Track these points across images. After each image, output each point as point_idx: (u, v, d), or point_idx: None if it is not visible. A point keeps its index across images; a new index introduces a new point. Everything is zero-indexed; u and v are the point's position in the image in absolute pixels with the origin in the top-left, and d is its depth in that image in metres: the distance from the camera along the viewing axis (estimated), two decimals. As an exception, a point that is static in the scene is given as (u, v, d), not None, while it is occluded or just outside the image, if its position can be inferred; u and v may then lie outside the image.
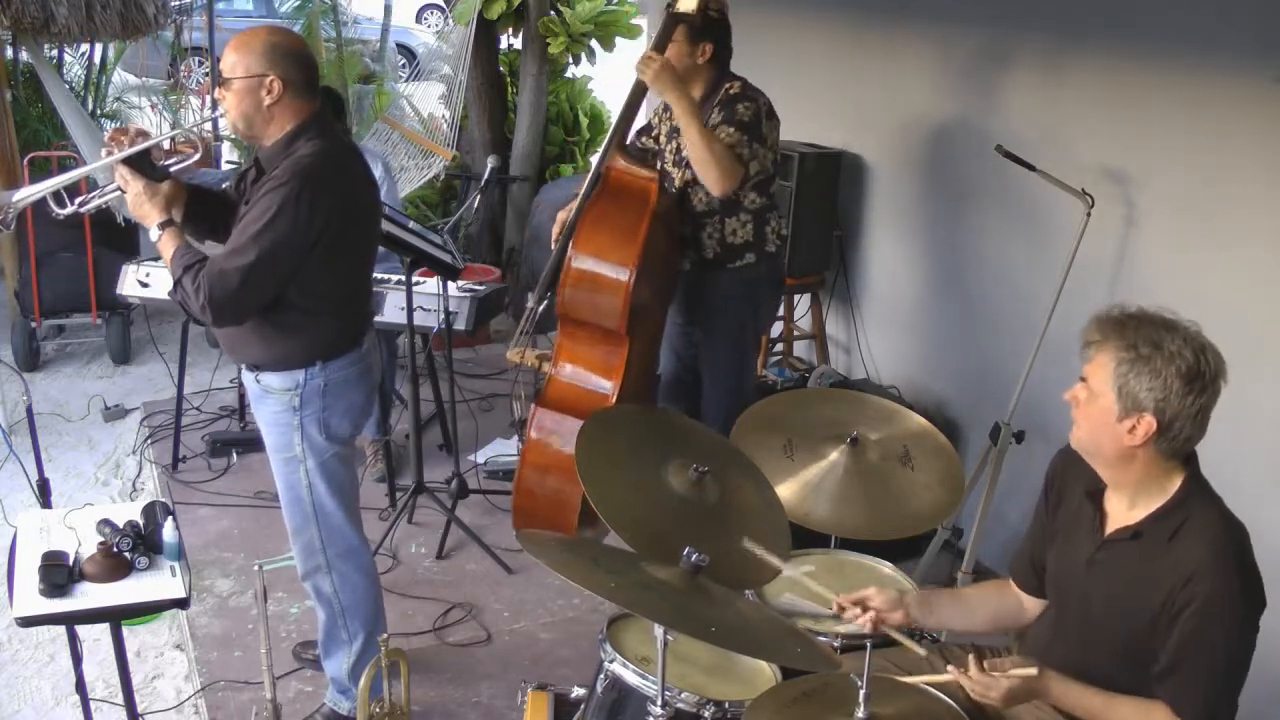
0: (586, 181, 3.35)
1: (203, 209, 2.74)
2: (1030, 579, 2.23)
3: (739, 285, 3.46)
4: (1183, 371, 1.82)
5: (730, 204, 3.38)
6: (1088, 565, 2.02)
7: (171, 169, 2.62)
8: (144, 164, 2.56)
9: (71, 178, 2.73)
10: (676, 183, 3.45)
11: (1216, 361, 1.85)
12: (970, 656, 1.96)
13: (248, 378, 2.76)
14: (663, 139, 3.57)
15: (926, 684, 2.00)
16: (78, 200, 2.65)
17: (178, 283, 2.53)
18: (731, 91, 3.34)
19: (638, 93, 3.34)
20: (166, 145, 2.67)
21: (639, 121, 3.56)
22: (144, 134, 2.59)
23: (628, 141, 3.45)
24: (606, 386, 3.24)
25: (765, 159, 3.35)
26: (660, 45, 3.28)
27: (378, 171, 4.46)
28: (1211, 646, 1.85)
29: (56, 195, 2.63)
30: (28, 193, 2.60)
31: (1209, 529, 1.87)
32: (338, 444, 2.76)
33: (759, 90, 3.37)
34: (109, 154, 2.55)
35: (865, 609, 2.17)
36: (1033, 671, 1.92)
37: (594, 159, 3.41)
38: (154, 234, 2.56)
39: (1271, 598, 1.89)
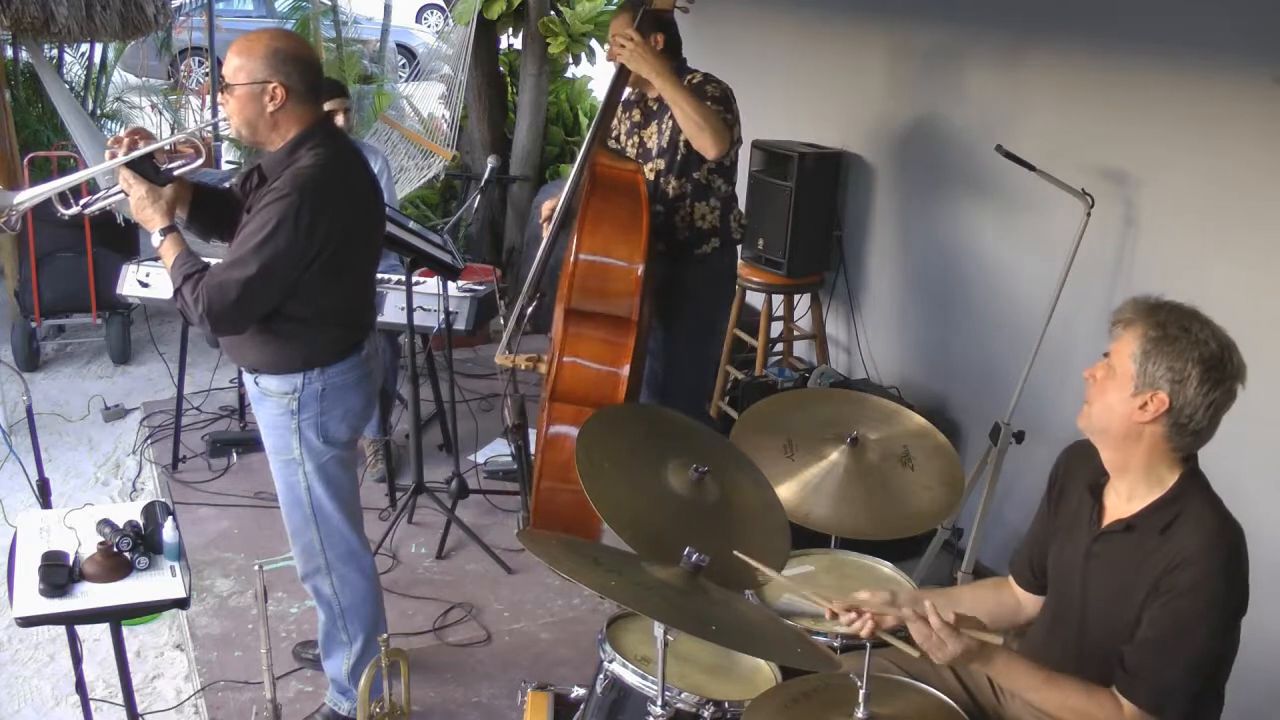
0: (571, 177, 3.38)
1: (209, 208, 2.74)
2: (1029, 577, 2.24)
3: (704, 276, 3.55)
4: (1204, 358, 1.83)
5: (701, 189, 3.46)
6: (1085, 559, 2.02)
7: (175, 172, 2.62)
8: (147, 167, 2.55)
9: (75, 180, 2.73)
10: (648, 175, 3.49)
11: (1239, 363, 1.86)
12: (933, 606, 1.93)
13: (247, 379, 2.76)
14: (623, 137, 3.64)
15: (886, 633, 1.98)
16: (82, 202, 2.65)
17: (178, 291, 2.53)
18: (695, 80, 3.41)
19: (618, 84, 3.41)
20: (168, 148, 2.66)
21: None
22: (147, 136, 2.59)
23: None
24: (620, 372, 3.23)
25: (738, 134, 3.44)
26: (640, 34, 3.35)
27: (376, 167, 4.46)
28: (1179, 636, 1.84)
29: (61, 196, 2.63)
30: (31, 194, 2.60)
31: (1203, 524, 1.87)
32: (336, 448, 2.75)
33: (720, 79, 3.45)
34: (112, 157, 2.55)
35: (860, 613, 2.14)
36: (996, 639, 1.91)
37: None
38: (155, 239, 2.55)
39: (1271, 598, 1.89)
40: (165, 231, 2.55)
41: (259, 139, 2.60)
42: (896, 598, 2.15)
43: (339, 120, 4.23)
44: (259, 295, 2.50)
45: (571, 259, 3.20)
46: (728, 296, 3.78)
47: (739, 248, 3.69)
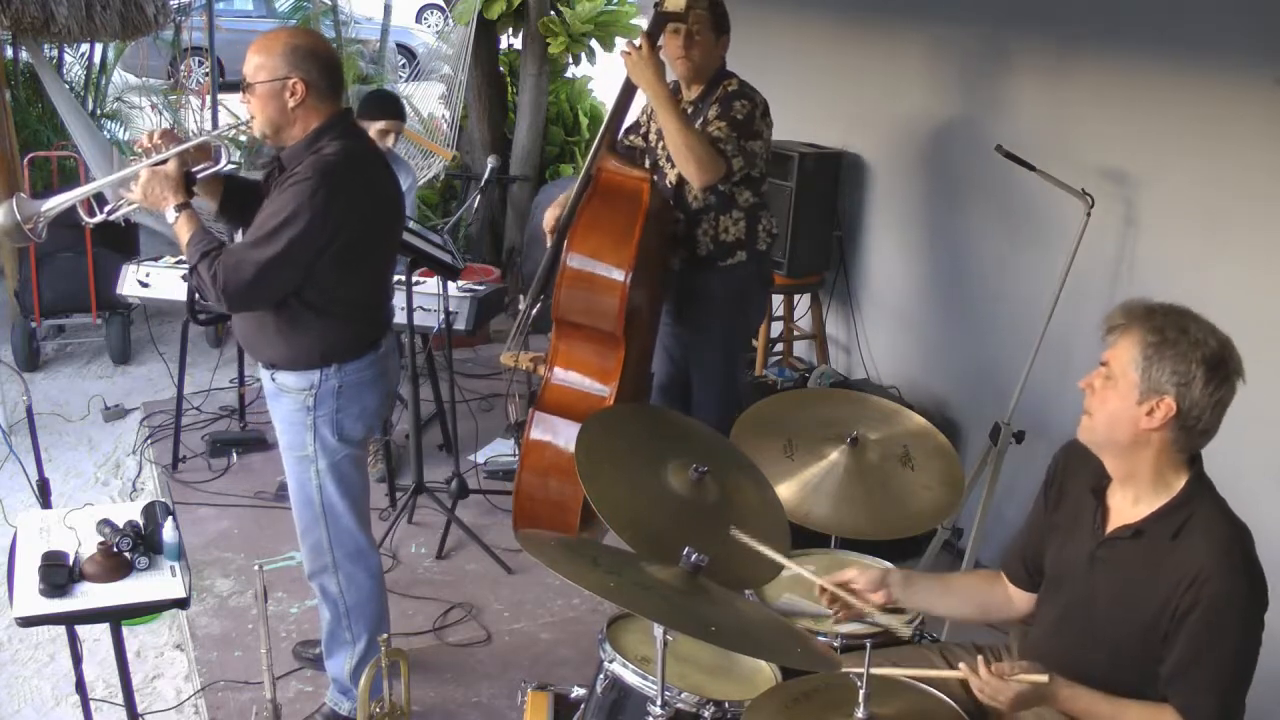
0: (577, 182, 3.36)
1: (238, 198, 2.76)
2: (1021, 574, 2.23)
3: (729, 285, 3.46)
4: (1207, 358, 1.83)
5: (725, 201, 3.39)
6: (1089, 563, 2.02)
7: (198, 176, 2.64)
8: None
9: (100, 186, 2.78)
10: (671, 179, 3.44)
11: (1238, 358, 1.86)
12: (979, 658, 1.95)
13: (264, 375, 2.76)
14: (652, 136, 3.57)
15: (932, 679, 2.00)
16: (106, 209, 2.67)
17: (194, 269, 2.53)
18: (730, 89, 3.35)
19: (627, 91, 3.35)
20: (194, 151, 2.68)
21: (628, 120, 3.57)
22: (170, 136, 2.60)
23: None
24: (604, 390, 3.24)
25: (755, 156, 3.35)
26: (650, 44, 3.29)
27: (405, 182, 4.45)
28: (1220, 649, 1.85)
29: (85, 203, 2.64)
30: (57, 201, 2.60)
31: (1213, 529, 1.87)
32: (350, 446, 2.77)
33: (755, 90, 3.38)
34: (136, 162, 2.57)
35: (851, 590, 2.17)
36: (1044, 678, 1.92)
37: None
38: (170, 216, 2.54)
39: (1273, 598, 1.89)
40: (180, 208, 2.54)
41: (281, 137, 2.62)
42: (885, 577, 2.17)
43: (389, 141, 4.19)
44: (275, 276, 2.51)
45: (561, 268, 3.20)
46: (755, 307, 3.64)
47: (769, 257, 3.55)
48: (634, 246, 3.14)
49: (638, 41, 3.22)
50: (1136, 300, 1.94)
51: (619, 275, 3.14)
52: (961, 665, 1.97)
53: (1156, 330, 1.86)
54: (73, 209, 2.63)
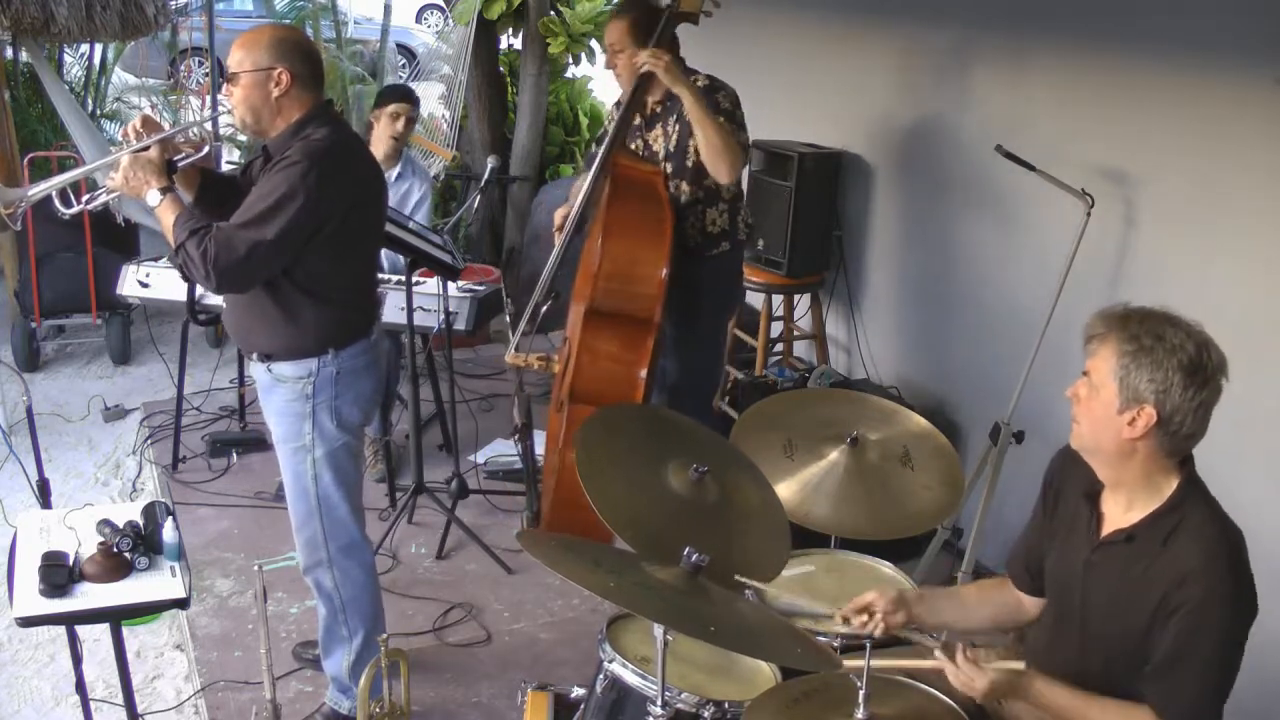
0: (590, 176, 3.37)
1: (214, 191, 2.77)
2: (1024, 579, 2.23)
3: (716, 273, 3.55)
4: (1184, 364, 1.81)
5: (711, 195, 3.47)
6: (1084, 568, 2.02)
7: (178, 165, 2.64)
8: None
9: (82, 173, 2.76)
10: None
11: (1219, 358, 1.85)
12: (958, 645, 1.95)
13: (258, 369, 2.76)
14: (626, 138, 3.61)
15: (911, 669, 2.00)
16: (84, 198, 2.68)
17: (180, 246, 2.52)
18: (700, 85, 3.38)
19: (641, 88, 3.37)
20: (180, 139, 2.69)
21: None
22: (152, 123, 2.61)
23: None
24: (640, 374, 3.27)
25: (747, 145, 3.45)
26: (660, 44, 3.30)
27: (420, 190, 4.43)
28: (1201, 651, 1.84)
29: (63, 195, 2.65)
30: (37, 189, 2.61)
31: (1204, 531, 1.87)
32: (348, 433, 2.78)
33: (723, 81, 3.45)
34: (118, 150, 2.58)
35: (872, 614, 2.15)
36: (1019, 665, 1.91)
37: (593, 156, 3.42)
38: (154, 199, 2.54)
39: (1271, 599, 1.89)
40: (164, 191, 2.54)
41: (262, 126, 2.64)
42: (903, 596, 2.16)
43: (400, 126, 4.26)
44: (265, 255, 2.52)
45: (597, 261, 3.20)
46: (737, 296, 3.78)
47: (743, 247, 3.69)
48: (669, 236, 3.22)
49: (649, 51, 3.25)
50: (1114, 307, 1.93)
51: (659, 268, 3.21)
52: (937, 652, 1.96)
53: (1132, 339, 1.85)
54: (48, 200, 2.63)
